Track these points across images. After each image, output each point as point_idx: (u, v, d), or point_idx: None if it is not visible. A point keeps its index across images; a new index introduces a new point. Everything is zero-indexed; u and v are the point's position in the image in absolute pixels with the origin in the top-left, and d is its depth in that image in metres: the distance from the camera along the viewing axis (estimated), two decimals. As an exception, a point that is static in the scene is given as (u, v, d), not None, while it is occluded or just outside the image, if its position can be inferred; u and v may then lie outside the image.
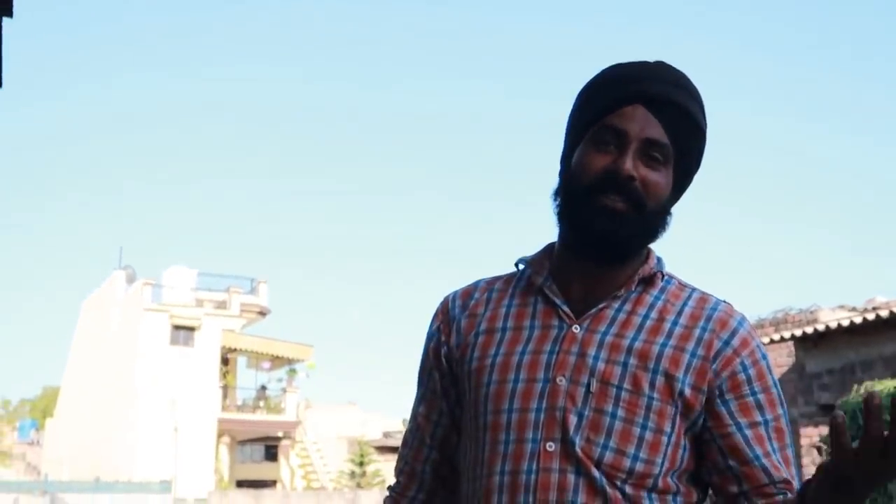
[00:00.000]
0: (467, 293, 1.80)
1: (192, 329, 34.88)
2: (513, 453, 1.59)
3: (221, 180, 69.71)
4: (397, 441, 37.66)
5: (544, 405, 1.59)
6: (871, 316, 10.50)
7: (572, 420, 1.57)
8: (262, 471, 37.43)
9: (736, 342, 1.63)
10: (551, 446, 1.57)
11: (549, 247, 1.76)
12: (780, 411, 1.65)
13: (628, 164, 1.59)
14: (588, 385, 1.58)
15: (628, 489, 1.56)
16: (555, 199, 1.68)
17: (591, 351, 1.60)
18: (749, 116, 69.73)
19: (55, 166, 67.78)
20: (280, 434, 37.18)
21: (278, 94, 65.59)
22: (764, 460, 1.60)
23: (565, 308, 1.65)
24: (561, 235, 1.70)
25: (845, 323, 10.74)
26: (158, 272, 37.08)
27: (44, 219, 72.49)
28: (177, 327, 34.61)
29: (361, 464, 34.50)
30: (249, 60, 63.87)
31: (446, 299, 1.82)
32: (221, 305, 36.72)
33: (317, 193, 71.59)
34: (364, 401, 38.73)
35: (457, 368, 1.74)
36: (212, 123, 66.73)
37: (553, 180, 1.72)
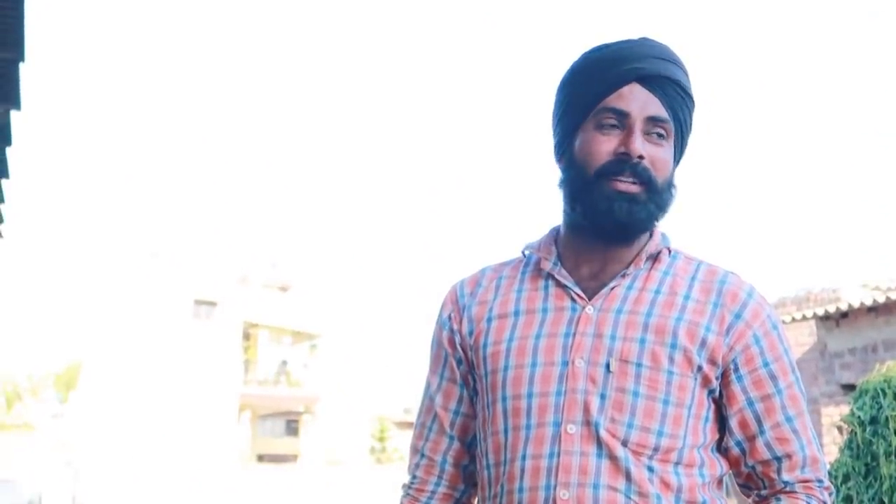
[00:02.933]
0: (475, 281, 1.80)
1: (213, 304, 35.00)
2: (534, 438, 1.59)
3: (244, 154, 69.79)
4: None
5: (564, 388, 1.59)
6: (893, 295, 10.42)
7: (595, 402, 1.57)
8: (283, 445, 37.63)
9: (747, 314, 1.64)
10: (572, 429, 1.57)
11: (554, 231, 1.76)
12: (792, 378, 1.65)
13: (637, 144, 1.59)
14: (607, 365, 1.58)
15: (655, 465, 1.56)
16: (563, 187, 1.69)
17: (607, 330, 1.61)
18: (775, 96, 69.22)
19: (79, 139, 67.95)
20: (301, 409, 37.35)
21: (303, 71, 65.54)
22: (770, 433, 1.62)
23: (577, 290, 1.66)
24: (569, 220, 1.70)
25: (868, 302, 10.66)
26: (181, 247, 37.20)
27: (61, 191, 72.77)
28: (199, 302, 34.73)
29: (381, 439, 34.61)
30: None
31: (454, 288, 1.81)
32: (243, 280, 36.82)
33: (342, 166, 71.59)
34: (385, 377, 38.73)
35: (471, 355, 1.73)
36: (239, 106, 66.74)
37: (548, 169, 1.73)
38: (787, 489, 1.62)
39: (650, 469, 1.56)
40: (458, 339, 1.76)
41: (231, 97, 65.62)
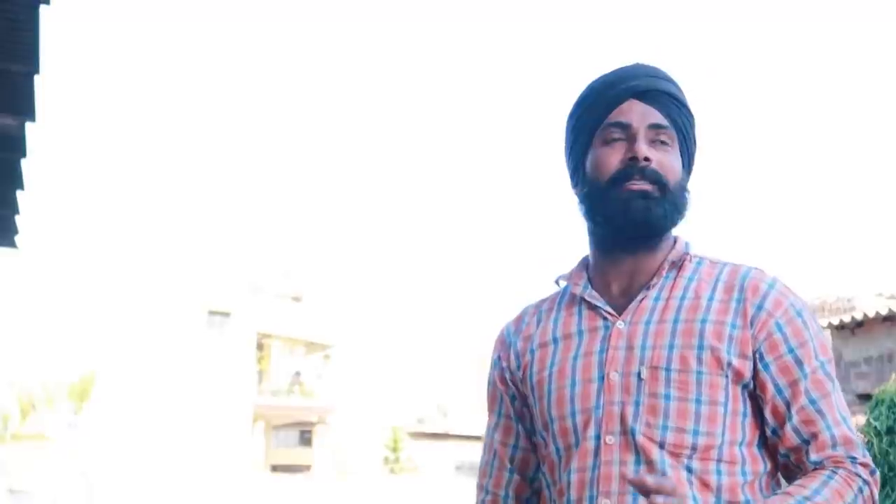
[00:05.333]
0: (518, 319, 1.90)
1: (227, 314, 35.03)
2: (579, 452, 1.67)
3: (257, 164, 69.98)
4: (431, 427, 37.74)
5: (602, 401, 1.67)
6: None
7: (630, 411, 1.64)
8: (297, 456, 37.61)
9: (769, 304, 1.68)
10: (611, 440, 1.64)
11: (584, 260, 1.84)
12: (817, 362, 1.67)
13: (643, 147, 1.69)
14: (639, 373, 1.65)
15: (695, 464, 1.61)
16: (582, 205, 1.77)
17: (638, 342, 1.67)
18: (788, 105, 69.11)
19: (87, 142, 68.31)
20: (314, 419, 37.33)
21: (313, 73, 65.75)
22: (796, 417, 1.64)
23: (607, 308, 1.73)
24: (594, 238, 1.79)
25: (884, 311, 10.62)
26: (194, 257, 37.26)
27: (80, 202, 73.15)
28: (212, 312, 34.77)
29: (395, 449, 34.57)
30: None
31: (501, 330, 1.92)
32: (257, 291, 36.84)
33: (356, 176, 71.74)
34: (399, 387, 38.78)
35: (522, 388, 1.82)
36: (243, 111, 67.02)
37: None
38: (816, 468, 1.62)
39: (689, 469, 1.61)
40: (508, 376, 1.86)
41: (245, 106, 65.83)
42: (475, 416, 35.88)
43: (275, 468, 35.58)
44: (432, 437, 37.00)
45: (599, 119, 1.74)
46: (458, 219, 77.85)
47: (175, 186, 69.61)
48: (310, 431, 38.03)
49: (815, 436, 1.63)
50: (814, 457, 1.62)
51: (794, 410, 1.64)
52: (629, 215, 1.68)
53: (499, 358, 1.89)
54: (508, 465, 1.87)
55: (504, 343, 1.89)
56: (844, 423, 1.65)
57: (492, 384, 1.91)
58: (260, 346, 36.49)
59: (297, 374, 37.94)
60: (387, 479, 29.71)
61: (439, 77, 64.94)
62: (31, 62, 3.03)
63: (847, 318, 11.06)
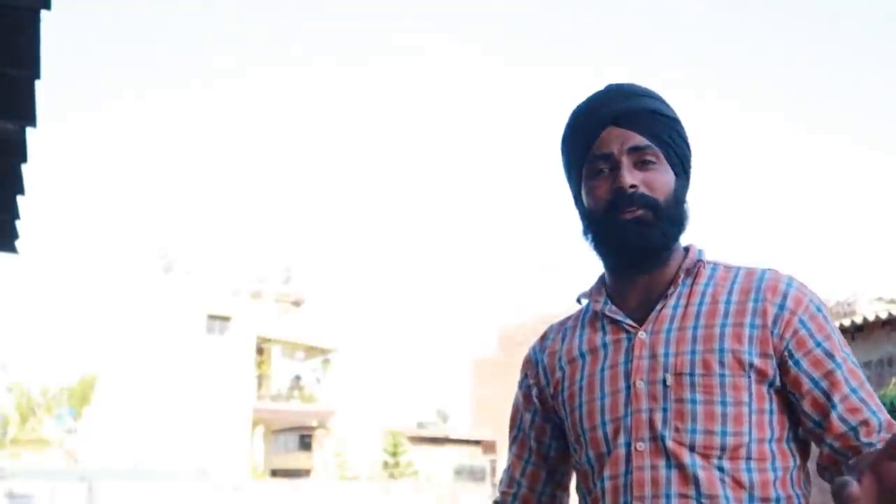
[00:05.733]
0: (543, 337, 1.98)
1: (227, 319, 35.07)
2: (611, 460, 1.72)
3: (257, 170, 70.03)
4: (430, 432, 37.75)
5: (630, 410, 1.71)
6: None
7: (659, 417, 1.68)
8: (297, 460, 37.60)
9: (790, 303, 1.71)
10: (641, 446, 1.69)
11: (602, 277, 1.90)
12: (844, 353, 1.71)
13: (626, 178, 1.72)
14: (664, 381, 1.69)
15: (726, 464, 1.65)
16: (586, 237, 1.82)
17: (661, 350, 1.72)
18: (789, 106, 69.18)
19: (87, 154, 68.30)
20: (314, 423, 37.33)
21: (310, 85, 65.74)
22: (840, 406, 1.66)
23: (628, 321, 1.78)
24: (604, 262, 1.85)
25: (883, 315, 10.64)
26: (195, 262, 37.30)
27: (77, 205, 73.15)
28: (212, 317, 34.82)
29: (395, 454, 34.58)
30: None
31: (529, 351, 1.99)
32: (256, 295, 36.88)
33: (356, 182, 71.78)
34: (398, 391, 38.89)
35: (552, 403, 1.90)
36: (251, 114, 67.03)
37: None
38: (872, 449, 1.63)
39: (721, 469, 1.64)
40: (535, 392, 1.93)
41: (246, 112, 65.88)
42: (474, 420, 35.91)
43: (274, 472, 35.59)
44: (432, 442, 37.00)
45: (583, 153, 1.79)
46: (458, 226, 77.94)
47: (177, 192, 69.67)
48: (310, 436, 38.03)
49: (864, 423, 1.65)
50: (865, 440, 1.64)
51: (836, 399, 1.66)
52: (628, 243, 1.73)
53: (525, 376, 1.97)
54: (518, 478, 1.97)
55: (531, 362, 1.96)
56: (882, 409, 1.69)
57: (515, 402, 1.99)
58: (260, 351, 36.55)
59: (297, 378, 37.98)
60: (387, 483, 29.67)
61: (439, 87, 64.98)
62: (31, 67, 3.03)
63: (847, 323, 11.08)
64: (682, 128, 1.83)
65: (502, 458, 29.26)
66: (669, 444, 1.66)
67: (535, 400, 1.93)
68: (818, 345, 1.69)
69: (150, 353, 34.57)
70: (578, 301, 1.93)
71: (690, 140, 1.86)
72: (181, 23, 63.52)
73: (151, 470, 27.01)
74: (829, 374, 1.67)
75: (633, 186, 1.72)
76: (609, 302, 1.83)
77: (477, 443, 35.35)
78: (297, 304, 38.82)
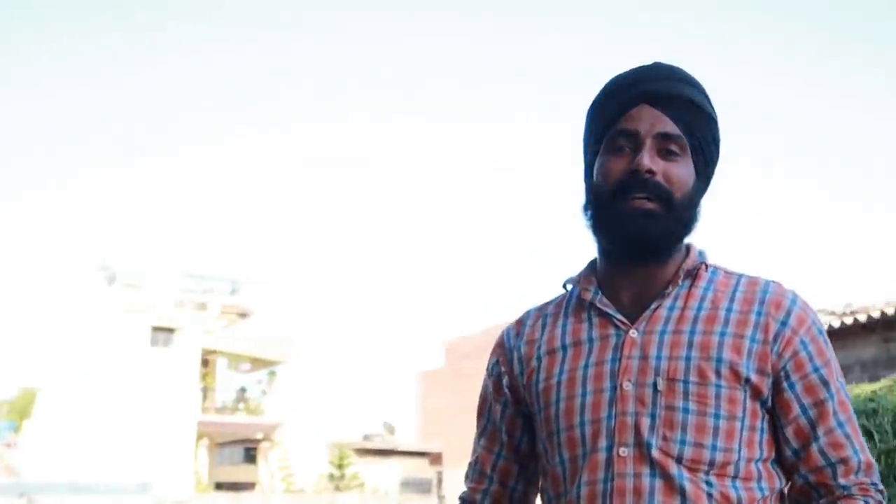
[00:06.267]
0: (520, 322, 1.84)
1: (171, 331, 34.71)
2: (588, 465, 1.62)
3: (202, 181, 69.43)
4: (377, 444, 37.59)
5: (614, 412, 1.61)
6: (849, 320, 10.54)
7: (646, 422, 1.59)
8: (241, 473, 37.26)
9: (793, 321, 1.64)
10: (624, 451, 1.59)
11: (592, 263, 1.78)
12: (839, 382, 1.66)
13: (646, 160, 1.62)
14: (655, 385, 1.60)
15: (712, 480, 1.57)
16: (585, 213, 1.72)
17: (653, 351, 1.62)
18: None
19: (29, 158, 67.29)
20: (259, 436, 37.02)
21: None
22: (823, 439, 1.61)
23: (619, 316, 1.68)
24: (599, 246, 1.74)
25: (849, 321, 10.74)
26: (138, 273, 36.88)
27: (18, 216, 72.00)
28: (156, 329, 34.43)
29: (341, 466, 34.40)
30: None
31: (501, 334, 1.85)
32: (202, 307, 36.54)
33: (302, 194, 71.44)
34: (345, 403, 38.68)
35: (524, 394, 1.77)
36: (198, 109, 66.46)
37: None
38: (846, 493, 1.61)
39: (709, 483, 1.57)
40: (506, 381, 1.81)
41: (193, 118, 65.29)
42: (421, 433, 35.84)
43: (219, 486, 35.21)
44: (378, 454, 36.85)
45: (609, 124, 1.68)
46: (404, 238, 77.85)
47: (119, 200, 68.82)
48: (255, 448, 37.72)
49: (844, 461, 1.61)
50: (843, 481, 1.60)
51: (821, 431, 1.62)
52: (626, 233, 1.64)
53: (497, 362, 1.83)
54: (489, 473, 1.85)
55: (504, 347, 1.83)
56: (866, 447, 1.64)
57: (483, 390, 1.86)
58: (205, 363, 36.19)
59: (243, 390, 37.64)
60: (332, 495, 29.52)
61: (387, 97, 64.94)
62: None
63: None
64: (717, 128, 1.72)
65: (449, 470, 29.24)
66: (655, 452, 1.57)
67: (506, 390, 1.80)
68: (815, 370, 1.63)
69: (93, 366, 34.10)
70: (564, 287, 1.80)
71: (723, 144, 1.74)
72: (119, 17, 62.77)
73: (93, 484, 26.63)
74: (819, 404, 1.62)
75: (650, 172, 1.62)
76: (599, 292, 1.71)
77: (423, 455, 35.25)
78: (242, 315, 38.50)
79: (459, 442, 27.30)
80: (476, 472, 1.87)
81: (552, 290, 1.87)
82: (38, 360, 35.72)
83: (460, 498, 1.89)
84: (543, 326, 1.78)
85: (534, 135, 59.89)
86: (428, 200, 70.40)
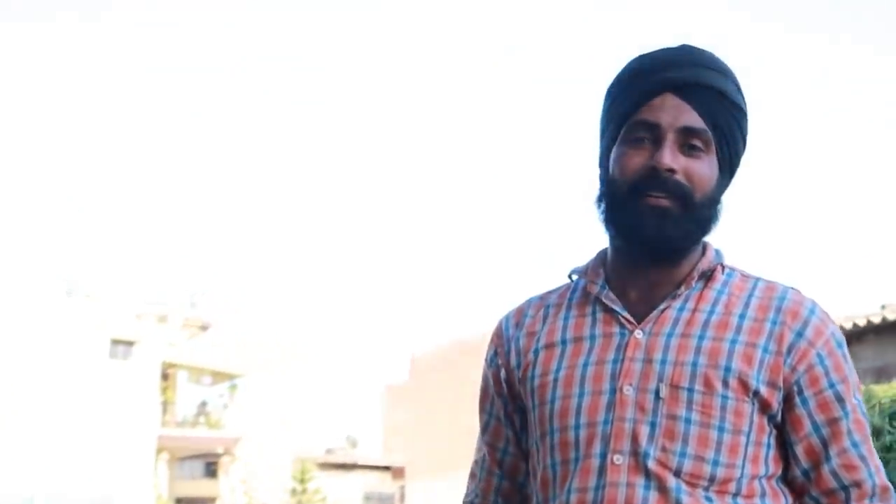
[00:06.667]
0: (520, 311, 1.73)
1: (131, 343, 34.40)
2: (580, 470, 1.53)
3: (163, 190, 68.97)
4: (340, 458, 37.46)
5: (612, 417, 1.52)
6: (891, 316, 10.41)
7: (644, 430, 1.49)
8: (202, 488, 37.02)
9: (810, 333, 1.54)
10: (619, 459, 1.50)
11: (602, 253, 1.68)
12: (856, 400, 1.56)
13: (667, 157, 1.51)
14: (657, 391, 1.50)
15: (712, 496, 1.48)
16: (598, 205, 1.61)
17: (658, 355, 1.52)
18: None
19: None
20: (220, 450, 36.79)
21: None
22: (836, 460, 1.53)
23: (625, 314, 1.58)
24: (611, 240, 1.64)
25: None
26: (98, 285, 36.50)
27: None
28: (116, 341, 34.11)
29: (303, 481, 34.23)
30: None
31: (499, 323, 1.75)
32: (162, 319, 36.26)
33: (263, 206, 71.19)
34: (307, 417, 38.68)
35: (519, 388, 1.67)
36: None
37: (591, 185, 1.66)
38: None
39: (708, 500, 1.48)
40: (503, 375, 1.70)
41: (151, 130, 64.89)
42: (385, 447, 35.74)
43: (179, 500, 34.96)
44: (341, 468, 36.73)
45: (628, 112, 1.56)
46: (369, 251, 77.77)
47: (79, 212, 68.17)
48: (215, 463, 37.49)
49: (858, 484, 1.52)
50: None
51: (833, 452, 1.52)
52: (641, 233, 1.53)
53: (495, 354, 1.73)
54: (497, 471, 1.75)
55: (502, 338, 1.72)
56: (882, 469, 1.55)
57: (484, 381, 1.76)
58: (165, 376, 35.91)
59: (203, 404, 37.40)
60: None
61: (381, 102, 64.92)
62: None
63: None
64: (746, 122, 1.61)
65: (411, 483, 29.07)
66: (652, 463, 1.48)
67: (504, 383, 1.70)
68: (831, 386, 1.53)
69: (51, 379, 33.67)
70: (570, 277, 1.70)
71: (750, 139, 1.63)
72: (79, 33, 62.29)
73: (52, 499, 26.21)
74: (833, 422, 1.53)
75: (670, 170, 1.52)
76: (606, 287, 1.61)
77: (386, 469, 35.13)
78: (203, 328, 38.24)
79: (423, 456, 27.16)
80: (483, 471, 1.77)
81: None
82: (-7, 373, 35.11)
83: (466, 499, 1.79)
84: (545, 318, 1.68)
85: (505, 149, 60.15)
86: (393, 213, 70.38)
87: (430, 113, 61.41)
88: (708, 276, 1.60)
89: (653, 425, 1.49)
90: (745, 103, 1.60)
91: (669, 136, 1.53)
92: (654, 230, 1.52)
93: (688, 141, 1.54)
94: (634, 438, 1.49)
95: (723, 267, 1.62)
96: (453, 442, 21.29)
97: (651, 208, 1.52)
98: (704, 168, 1.55)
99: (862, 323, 10.03)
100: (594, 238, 1.69)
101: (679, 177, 1.52)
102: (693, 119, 1.54)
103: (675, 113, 1.53)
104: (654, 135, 1.54)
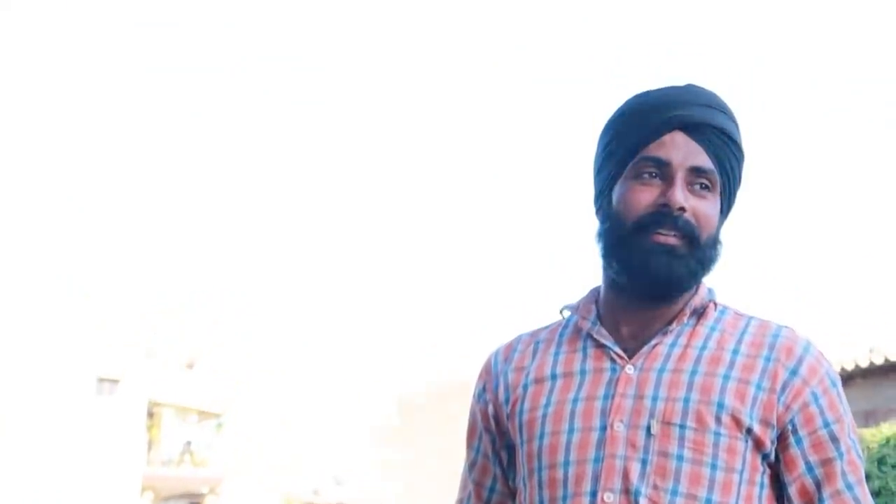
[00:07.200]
0: (510, 347, 1.72)
1: (116, 381, 34.23)
2: None
3: (150, 226, 68.87)
4: (325, 498, 37.18)
5: (602, 454, 1.50)
6: None
7: (635, 468, 1.47)
8: (187, 528, 36.68)
9: (804, 370, 1.54)
10: (609, 497, 1.48)
11: (594, 291, 1.67)
12: (850, 441, 1.55)
13: (678, 196, 1.52)
14: (648, 428, 1.49)
15: None
16: (599, 241, 1.61)
17: (649, 391, 1.52)
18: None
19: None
20: (205, 490, 36.52)
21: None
22: (829, 502, 1.51)
23: (616, 349, 1.57)
24: (608, 277, 1.62)
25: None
26: (83, 321, 36.32)
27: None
28: (101, 379, 33.94)
29: (289, 521, 33.98)
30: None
31: (488, 358, 1.74)
32: (148, 356, 36.11)
33: (249, 243, 71.14)
34: (293, 457, 38.48)
35: (507, 424, 1.65)
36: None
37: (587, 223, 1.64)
38: None
39: None
40: (491, 410, 1.69)
41: (140, 159, 64.90)
42: (371, 486, 35.52)
43: (163, 541, 34.57)
44: (451, 523, 36.56)
45: (635, 148, 1.56)
46: (354, 289, 77.63)
47: (63, 247, 67.92)
48: (200, 503, 37.19)
49: None
50: None
51: (826, 493, 1.51)
52: (648, 270, 1.52)
53: (483, 389, 1.71)
54: None
55: (490, 373, 1.71)
56: None
57: (472, 416, 1.75)
58: (150, 414, 35.72)
59: (188, 443, 37.16)
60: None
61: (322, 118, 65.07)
62: None
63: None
64: (744, 161, 1.63)
65: (398, 525, 28.85)
66: (643, 501, 1.46)
67: (493, 419, 1.70)
68: (825, 425, 1.53)
69: (36, 416, 33.43)
70: (561, 313, 1.71)
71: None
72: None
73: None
74: (826, 462, 1.51)
75: (681, 209, 1.52)
76: (598, 323, 1.61)
77: (373, 509, 34.96)
78: (189, 366, 38.05)
79: (410, 496, 27.00)
80: None
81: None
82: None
83: None
84: (534, 353, 1.67)
85: (502, 164, 60.27)
86: (383, 250, 70.39)
87: (429, 115, 61.50)
88: (700, 313, 1.59)
89: (644, 462, 1.47)
90: (742, 141, 1.61)
91: (680, 175, 1.53)
92: (663, 268, 1.51)
93: (696, 180, 1.55)
94: (625, 476, 1.47)
95: (715, 304, 1.62)
96: (441, 482, 21.19)
97: (659, 246, 1.51)
98: (710, 208, 1.56)
99: (850, 367, 10.04)
100: (587, 273, 1.69)
101: (688, 216, 1.53)
102: (702, 159, 1.54)
103: (685, 152, 1.54)
104: (663, 172, 1.54)
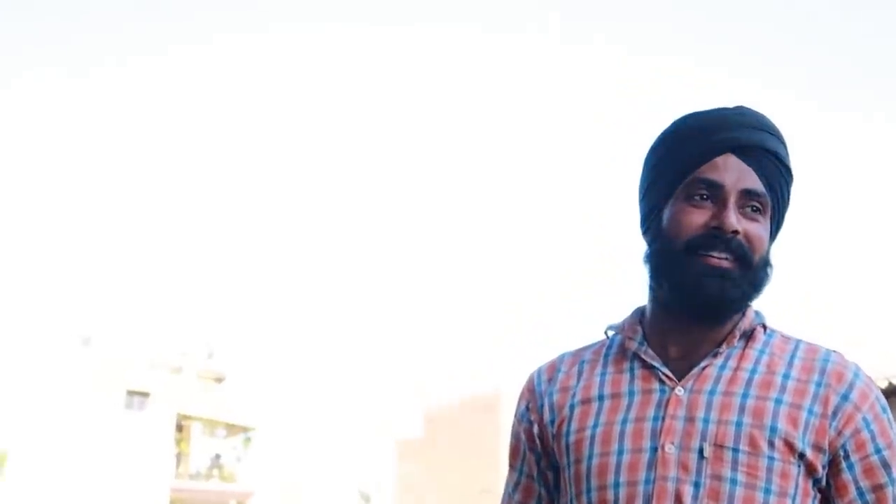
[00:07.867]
0: (553, 367, 1.71)
1: (146, 395, 34.34)
2: None
3: (180, 242, 69.19)
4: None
5: (654, 476, 1.48)
6: None
7: (688, 491, 1.46)
8: (214, 541, 36.65)
9: (855, 396, 1.53)
10: None
11: (639, 311, 1.67)
12: None
13: (732, 219, 1.51)
14: (701, 450, 1.47)
15: None
16: (648, 263, 1.61)
17: (700, 413, 1.50)
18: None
19: None
20: (233, 503, 36.50)
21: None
22: None
23: (665, 370, 1.56)
24: (656, 297, 1.62)
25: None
26: (114, 336, 36.57)
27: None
28: (131, 392, 34.05)
29: (315, 536, 33.91)
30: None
31: (531, 377, 1.73)
32: (177, 370, 36.22)
33: (278, 258, 71.29)
34: (320, 471, 38.37)
35: (552, 445, 1.64)
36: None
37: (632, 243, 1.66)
38: None
39: None
40: (536, 431, 1.68)
41: (168, 179, 65.20)
42: (396, 501, 35.41)
43: (191, 554, 34.59)
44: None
45: (687, 169, 1.55)
46: (381, 304, 77.59)
47: (96, 263, 68.39)
48: (228, 516, 37.17)
49: None
50: None
51: None
52: (700, 292, 1.51)
53: (527, 409, 1.69)
54: None
55: (534, 392, 1.69)
56: None
57: (515, 437, 1.73)
58: (179, 428, 35.76)
59: (217, 457, 37.16)
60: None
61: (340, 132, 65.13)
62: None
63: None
64: (793, 184, 1.62)
65: (424, 540, 28.79)
66: None
67: (538, 439, 1.67)
68: (877, 451, 1.51)
69: (67, 429, 33.61)
70: (606, 333, 1.69)
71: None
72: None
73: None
74: (878, 488, 1.50)
75: (735, 232, 1.51)
76: (645, 343, 1.60)
77: (399, 524, 34.85)
78: (218, 380, 38.16)
79: (437, 512, 26.94)
80: None
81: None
82: (9, 423, 35.11)
83: None
84: (580, 373, 1.65)
85: (512, 193, 60.04)
86: (408, 266, 70.40)
87: (430, 124, 61.39)
88: (749, 336, 1.59)
89: (697, 485, 1.46)
90: (790, 164, 1.62)
91: (732, 198, 1.53)
92: (716, 290, 1.51)
93: (748, 203, 1.54)
94: (678, 499, 1.45)
95: (764, 327, 1.61)
96: (466, 498, 21.18)
97: (712, 268, 1.51)
98: (761, 230, 1.55)
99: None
100: (617, 291, 1.70)
101: (741, 238, 1.52)
102: (754, 182, 1.54)
103: (738, 174, 1.53)
104: (715, 194, 1.53)
